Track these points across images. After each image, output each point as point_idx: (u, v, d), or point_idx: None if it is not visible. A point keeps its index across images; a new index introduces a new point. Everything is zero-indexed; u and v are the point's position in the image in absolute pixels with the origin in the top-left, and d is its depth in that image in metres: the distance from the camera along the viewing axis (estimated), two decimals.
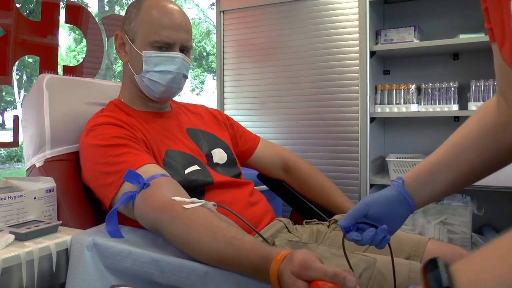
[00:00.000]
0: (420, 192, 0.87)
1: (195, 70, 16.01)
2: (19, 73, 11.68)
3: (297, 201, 1.52)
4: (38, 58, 1.62)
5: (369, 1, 2.00)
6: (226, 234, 0.81)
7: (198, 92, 16.47)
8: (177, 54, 1.17)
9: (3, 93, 10.68)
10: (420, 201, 0.87)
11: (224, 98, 2.45)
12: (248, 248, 0.76)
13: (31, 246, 0.89)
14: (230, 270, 0.79)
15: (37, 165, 1.16)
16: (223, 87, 2.44)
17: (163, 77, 1.17)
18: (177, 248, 0.88)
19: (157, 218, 0.90)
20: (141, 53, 1.16)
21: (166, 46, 1.17)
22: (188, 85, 16.82)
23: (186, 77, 1.23)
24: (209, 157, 1.26)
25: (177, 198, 0.90)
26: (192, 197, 0.93)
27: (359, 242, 0.84)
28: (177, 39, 1.17)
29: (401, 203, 0.86)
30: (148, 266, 0.85)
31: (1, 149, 9.75)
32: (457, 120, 2.12)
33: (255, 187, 1.34)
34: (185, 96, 16.84)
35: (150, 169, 1.01)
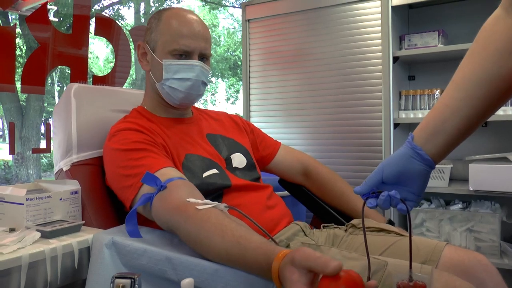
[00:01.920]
0: (432, 142, 0.81)
1: (230, 79, 16.20)
2: (60, 85, 12.18)
3: (317, 206, 1.53)
4: None
5: (392, 6, 2.00)
6: (234, 233, 0.83)
7: (233, 101, 16.64)
8: (196, 62, 1.22)
9: (46, 104, 11.18)
10: (435, 152, 0.81)
11: (250, 106, 2.49)
12: (254, 247, 0.79)
13: (55, 243, 0.95)
14: (238, 268, 0.82)
15: (64, 169, 1.23)
16: (249, 94, 2.49)
17: (182, 84, 1.22)
18: (190, 247, 0.91)
19: (172, 219, 0.94)
20: (161, 62, 1.22)
21: (185, 54, 1.21)
22: (223, 94, 17.04)
23: (205, 84, 1.27)
24: (228, 161, 1.30)
25: (192, 200, 0.94)
26: (210, 200, 0.96)
27: (380, 206, 0.82)
28: (195, 47, 1.21)
29: (413, 158, 0.81)
30: (162, 263, 0.89)
31: (43, 157, 10.17)
32: (484, 125, 2.07)
33: (277, 193, 1.36)
34: (220, 105, 17.04)
35: (167, 172, 1.05)
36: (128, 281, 0.58)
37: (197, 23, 1.24)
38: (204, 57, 1.26)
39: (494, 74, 0.76)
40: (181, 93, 1.23)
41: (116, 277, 0.59)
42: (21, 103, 9.48)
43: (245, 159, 1.34)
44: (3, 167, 8.70)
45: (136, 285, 0.60)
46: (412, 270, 0.78)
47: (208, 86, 1.25)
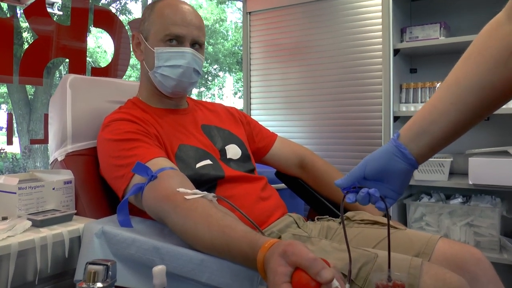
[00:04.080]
0: (417, 142, 0.80)
1: (238, 73, 16.19)
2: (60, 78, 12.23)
3: (314, 198, 1.52)
4: None
5: None
6: (220, 223, 0.83)
7: (241, 95, 16.64)
8: (187, 49, 1.21)
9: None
10: (419, 152, 0.81)
11: (251, 98, 2.49)
12: (239, 236, 0.79)
13: (45, 232, 0.95)
14: (223, 258, 0.82)
15: (59, 159, 1.23)
16: (250, 87, 2.48)
17: (174, 71, 1.22)
18: (179, 236, 0.91)
19: (161, 208, 0.94)
20: (153, 50, 1.22)
21: (176, 39, 1.21)
22: (230, 88, 17.03)
23: (198, 72, 1.26)
24: (223, 152, 1.30)
25: (181, 189, 0.94)
26: (204, 190, 0.96)
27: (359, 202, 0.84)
28: (186, 33, 1.21)
29: (396, 156, 0.81)
30: (150, 253, 0.90)
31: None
32: (486, 119, 2.05)
33: (274, 185, 1.35)
34: (227, 99, 17.03)
35: (159, 162, 1.05)
36: (101, 267, 0.58)
37: (189, 12, 1.24)
38: (196, 44, 1.25)
39: (486, 82, 0.74)
40: (173, 81, 1.22)
41: (89, 263, 0.59)
42: (29, 96, 9.55)
43: (240, 150, 1.34)
44: (11, 159, 8.78)
45: (110, 272, 0.59)
46: (391, 270, 0.77)
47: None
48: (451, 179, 1.97)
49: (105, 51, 14.90)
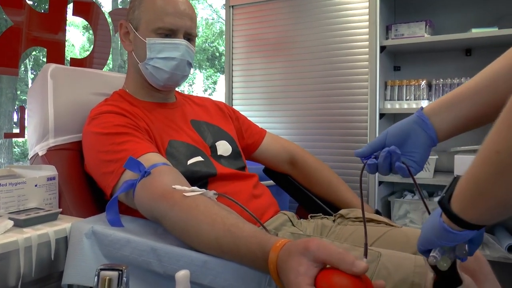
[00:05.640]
0: (441, 117, 0.79)
1: (208, 70, 16.05)
2: (34, 72, 11.82)
3: (303, 195, 1.50)
4: None
5: None
6: (225, 221, 0.79)
7: (211, 92, 16.53)
8: (181, 41, 1.16)
9: (18, 92, 10.82)
10: (442, 127, 0.80)
11: (232, 94, 2.44)
12: (247, 236, 0.74)
13: (30, 233, 0.88)
14: (229, 259, 0.77)
15: (40, 153, 1.16)
16: (232, 82, 2.43)
17: (167, 63, 1.16)
18: (176, 236, 0.86)
19: (157, 206, 0.89)
20: (144, 40, 1.15)
21: (170, 33, 1.15)
22: (200, 85, 16.87)
23: (190, 64, 1.22)
24: (213, 149, 1.25)
25: (178, 187, 0.89)
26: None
27: (380, 171, 0.81)
28: (181, 26, 1.15)
29: (419, 126, 0.80)
30: (147, 254, 0.84)
31: (15, 146, 9.87)
32: None
33: (261, 182, 1.32)
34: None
35: (151, 158, 1.00)
36: (115, 273, 0.52)
37: (182, 2, 1.18)
38: (189, 37, 1.20)
39: None
40: (166, 73, 1.17)
41: (102, 269, 0.53)
42: None
43: (230, 147, 1.30)
44: None
45: (124, 278, 0.54)
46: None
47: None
48: (436, 176, 1.98)
49: (73, 45, 14.48)
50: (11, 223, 0.90)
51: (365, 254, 0.71)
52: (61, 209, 1.01)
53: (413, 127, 0.80)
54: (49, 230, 0.91)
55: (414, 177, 0.80)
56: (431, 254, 0.66)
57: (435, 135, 0.80)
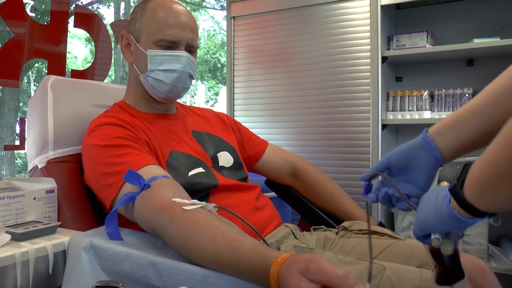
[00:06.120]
0: (446, 138, 0.78)
1: (210, 81, 16.09)
2: (36, 84, 11.87)
3: (306, 207, 1.48)
4: None
5: (381, 6, 1.97)
6: (225, 235, 0.77)
7: (213, 103, 16.54)
8: (183, 53, 1.15)
9: (21, 104, 10.87)
10: (448, 148, 0.78)
11: (234, 105, 2.43)
12: (247, 250, 0.73)
13: (27, 247, 0.87)
14: (229, 274, 0.76)
15: (39, 166, 1.14)
16: (233, 93, 2.42)
17: (168, 76, 1.15)
18: (176, 250, 0.85)
19: (156, 220, 0.87)
20: (146, 52, 1.15)
21: (171, 45, 1.15)
22: (202, 96, 16.90)
23: (192, 76, 1.21)
24: (215, 159, 1.24)
25: (177, 200, 0.87)
26: (196, 200, 0.90)
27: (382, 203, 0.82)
28: (182, 38, 1.15)
29: (423, 149, 0.79)
30: (146, 269, 0.82)
31: (17, 158, 9.87)
32: None
33: (263, 194, 1.30)
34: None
35: (151, 170, 0.98)
36: None
37: (184, 13, 1.17)
38: (190, 48, 1.19)
39: None
40: (167, 85, 1.16)
41: (98, 287, 0.51)
42: None
43: (232, 158, 1.28)
44: None
45: None
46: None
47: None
48: None
49: (75, 57, 14.55)
50: (8, 237, 0.89)
51: (369, 280, 0.71)
52: (59, 222, 1.00)
53: (417, 149, 0.80)
54: (47, 243, 0.89)
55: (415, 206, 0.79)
56: (433, 237, 0.66)
57: (440, 156, 0.79)
